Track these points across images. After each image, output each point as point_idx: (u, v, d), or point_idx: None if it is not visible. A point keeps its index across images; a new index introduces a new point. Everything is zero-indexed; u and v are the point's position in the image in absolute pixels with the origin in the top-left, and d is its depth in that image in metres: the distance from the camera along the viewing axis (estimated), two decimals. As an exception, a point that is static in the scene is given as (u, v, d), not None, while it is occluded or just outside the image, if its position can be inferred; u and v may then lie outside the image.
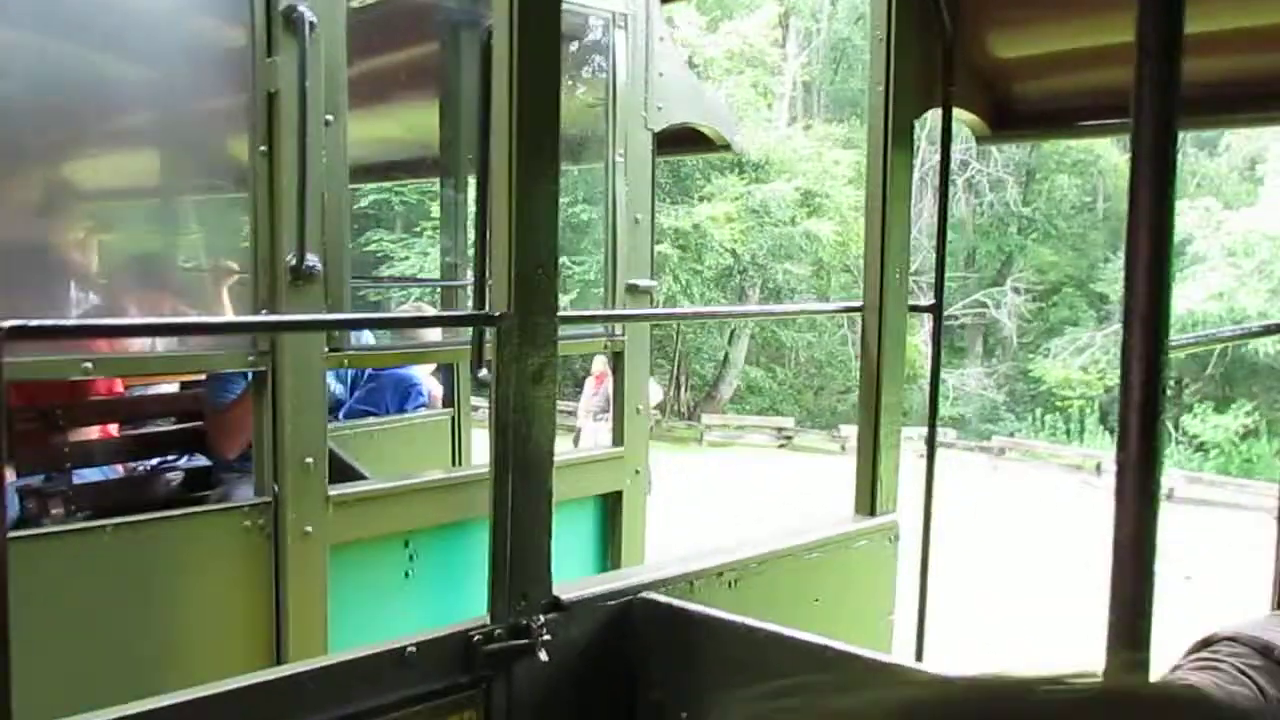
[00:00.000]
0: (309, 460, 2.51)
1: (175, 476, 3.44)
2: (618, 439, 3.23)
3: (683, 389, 28.63)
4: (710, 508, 13.49)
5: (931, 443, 2.69)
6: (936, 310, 2.62)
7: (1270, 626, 1.89)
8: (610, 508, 3.23)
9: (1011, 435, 24.21)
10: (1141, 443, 1.27)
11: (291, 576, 2.49)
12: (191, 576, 2.40)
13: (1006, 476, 20.24)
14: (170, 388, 3.80)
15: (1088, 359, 25.26)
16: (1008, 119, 2.60)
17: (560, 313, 1.87)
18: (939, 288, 2.62)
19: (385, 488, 2.71)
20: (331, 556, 2.58)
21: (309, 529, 2.51)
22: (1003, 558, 12.70)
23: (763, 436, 21.89)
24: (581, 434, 16.06)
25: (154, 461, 3.70)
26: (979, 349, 27.72)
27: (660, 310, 3.11)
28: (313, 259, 2.40)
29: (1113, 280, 25.37)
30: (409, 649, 1.72)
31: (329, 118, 2.42)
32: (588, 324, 3.08)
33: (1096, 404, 25.01)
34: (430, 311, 4.16)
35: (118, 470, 3.52)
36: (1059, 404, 25.18)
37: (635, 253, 3.18)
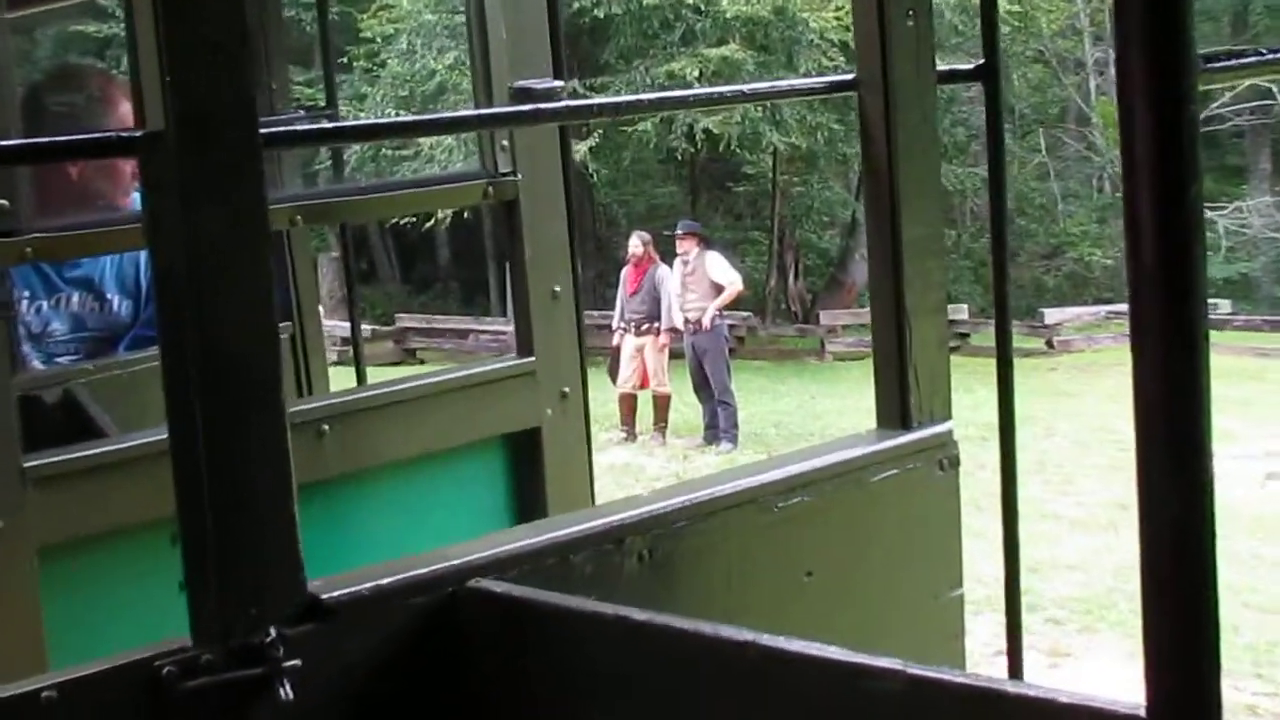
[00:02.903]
0: (-17, 417, 2.48)
1: None
2: (525, 343, 3.15)
3: (791, 275, 28.54)
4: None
5: (1003, 318, 2.55)
6: (988, 75, 2.46)
7: None
8: (523, 453, 3.17)
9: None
10: (1165, 259, 1.13)
11: (-18, 595, 2.48)
12: None
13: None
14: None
15: None
16: None
17: (274, 129, 1.77)
18: (989, 40, 2.47)
19: (123, 449, 2.67)
20: (47, 563, 2.56)
21: (-1, 524, 2.49)
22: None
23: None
24: (621, 356, 16.13)
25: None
26: (1264, 165, 26.93)
27: (529, 107, 2.84)
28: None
29: None
30: (45, 694, 1.67)
31: None
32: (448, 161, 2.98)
33: None
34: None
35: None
36: (1402, 243, 24.46)
37: (524, 37, 3.07)
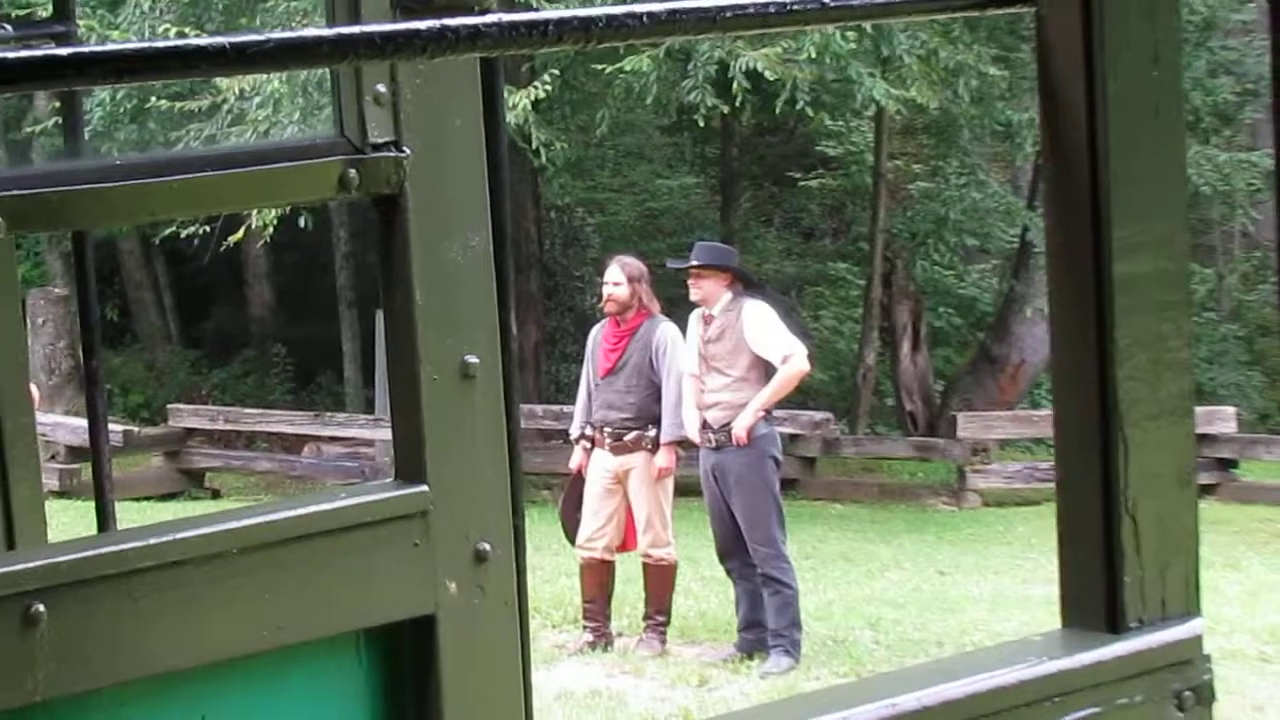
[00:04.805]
0: None
1: None
2: (410, 462, 3.21)
3: (906, 344, 28.78)
4: None
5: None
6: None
7: None
8: (403, 663, 3.27)
9: None
10: None
11: None
12: None
13: None
14: None
15: None
16: None
17: None
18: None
19: None
20: None
21: None
22: None
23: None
24: (586, 491, 16.11)
25: None
26: None
27: (427, 23, 2.88)
28: None
29: None
30: None
31: None
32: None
33: None
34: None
35: None
36: None
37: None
